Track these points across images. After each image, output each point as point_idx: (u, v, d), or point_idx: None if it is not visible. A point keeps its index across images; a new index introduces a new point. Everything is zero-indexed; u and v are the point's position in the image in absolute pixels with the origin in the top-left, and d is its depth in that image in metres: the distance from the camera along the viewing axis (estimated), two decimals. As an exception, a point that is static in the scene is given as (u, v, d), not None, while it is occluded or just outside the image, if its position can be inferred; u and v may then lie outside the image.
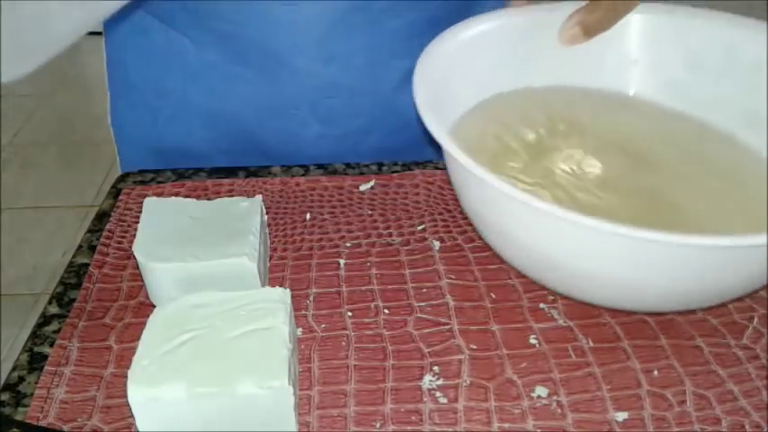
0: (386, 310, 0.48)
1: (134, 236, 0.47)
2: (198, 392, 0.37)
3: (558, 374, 0.43)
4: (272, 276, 0.50)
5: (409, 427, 0.41)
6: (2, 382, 0.44)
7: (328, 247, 0.53)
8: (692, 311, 0.47)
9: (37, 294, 1.64)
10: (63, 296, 0.50)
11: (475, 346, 0.45)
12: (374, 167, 0.60)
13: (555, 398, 0.42)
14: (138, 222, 0.48)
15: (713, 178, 0.49)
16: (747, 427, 0.40)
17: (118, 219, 0.56)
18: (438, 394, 0.42)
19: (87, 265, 0.52)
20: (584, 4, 0.53)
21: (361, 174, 0.60)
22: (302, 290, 0.49)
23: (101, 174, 1.99)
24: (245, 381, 0.37)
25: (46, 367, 0.44)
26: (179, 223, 0.47)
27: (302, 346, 0.45)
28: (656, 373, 0.43)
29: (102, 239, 0.54)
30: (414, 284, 0.49)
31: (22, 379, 0.44)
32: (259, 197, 0.50)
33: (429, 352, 0.45)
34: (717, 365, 0.44)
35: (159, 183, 0.60)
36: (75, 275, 0.51)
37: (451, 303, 0.48)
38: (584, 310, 0.47)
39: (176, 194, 0.57)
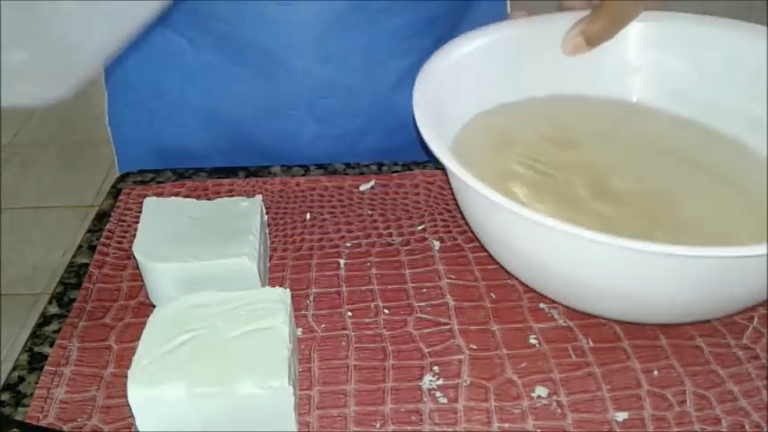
0: (386, 310, 0.48)
1: (134, 236, 0.47)
2: (198, 392, 0.37)
3: (558, 374, 0.43)
4: (272, 276, 0.50)
5: (409, 427, 0.41)
6: (2, 382, 0.44)
7: (328, 247, 0.53)
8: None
9: (37, 294, 1.64)
10: (63, 296, 0.50)
11: (475, 346, 0.45)
12: (374, 167, 0.60)
13: (555, 398, 0.42)
14: (138, 222, 0.48)
15: (719, 184, 0.48)
16: (747, 427, 0.40)
17: (118, 219, 0.56)
18: (438, 394, 0.42)
19: (87, 265, 0.52)
20: (585, 14, 0.53)
21: (361, 174, 0.60)
22: (302, 290, 0.49)
23: (101, 174, 1.99)
24: (245, 381, 0.37)
25: (46, 367, 0.44)
26: (179, 223, 0.47)
27: (302, 346, 0.45)
28: (656, 373, 0.43)
29: (102, 239, 0.54)
30: (414, 284, 0.49)
31: (22, 379, 0.44)
32: (259, 197, 0.50)
33: (429, 352, 0.45)
34: (717, 365, 0.43)
35: (159, 183, 0.60)
36: (75, 275, 0.51)
37: (451, 303, 0.48)
38: (584, 310, 0.47)
39: (176, 194, 0.57)
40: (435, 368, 0.44)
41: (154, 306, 0.46)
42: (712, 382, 0.43)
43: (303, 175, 0.60)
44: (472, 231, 0.49)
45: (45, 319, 0.48)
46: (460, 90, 0.52)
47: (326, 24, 0.59)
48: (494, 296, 0.48)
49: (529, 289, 0.48)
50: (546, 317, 0.47)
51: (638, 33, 0.55)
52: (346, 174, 0.60)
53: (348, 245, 0.53)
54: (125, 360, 0.44)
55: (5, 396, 0.43)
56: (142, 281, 0.48)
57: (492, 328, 0.46)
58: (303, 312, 0.48)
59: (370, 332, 0.46)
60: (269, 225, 0.54)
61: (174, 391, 0.37)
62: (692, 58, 0.54)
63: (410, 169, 0.60)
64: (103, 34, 0.34)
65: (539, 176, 0.49)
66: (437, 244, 0.52)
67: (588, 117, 0.54)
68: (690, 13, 0.55)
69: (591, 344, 0.45)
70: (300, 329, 0.46)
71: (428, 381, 0.43)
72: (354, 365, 0.44)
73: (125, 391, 0.37)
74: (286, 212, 0.56)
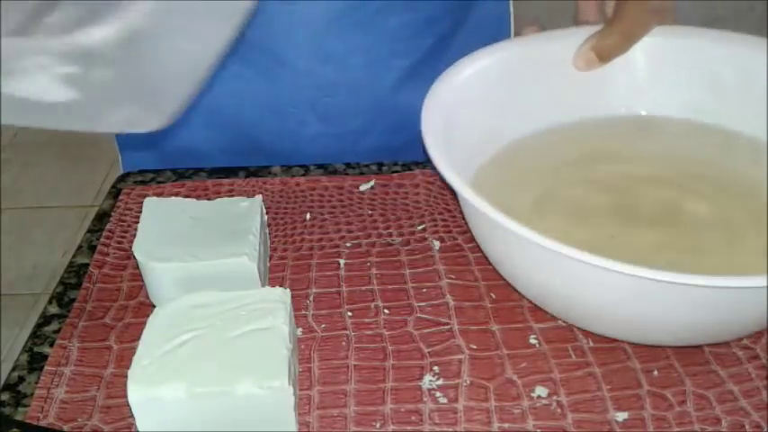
0: (386, 310, 0.48)
1: (134, 236, 0.47)
2: (198, 392, 0.37)
3: (558, 374, 0.43)
4: (272, 276, 0.50)
5: (409, 427, 0.41)
6: (2, 382, 0.44)
7: (328, 247, 0.53)
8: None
9: (37, 294, 1.64)
10: (63, 296, 0.50)
11: (475, 346, 0.45)
12: (374, 167, 0.60)
13: (555, 398, 0.42)
14: (138, 222, 0.48)
15: (737, 199, 0.48)
16: (747, 427, 0.40)
17: (118, 219, 0.56)
18: (438, 394, 0.42)
19: (87, 265, 0.52)
20: (597, 29, 0.53)
21: (361, 174, 0.60)
22: (302, 290, 0.49)
23: (101, 174, 1.99)
24: (245, 381, 0.37)
25: (46, 367, 0.44)
26: (179, 223, 0.47)
27: (302, 346, 0.45)
28: (656, 373, 0.43)
29: (102, 239, 0.54)
30: (414, 284, 0.49)
31: (22, 379, 0.44)
32: (259, 197, 0.50)
33: (429, 352, 0.45)
34: (717, 365, 0.43)
35: (159, 183, 0.60)
36: (75, 275, 0.51)
37: (451, 303, 0.48)
38: (584, 310, 0.47)
39: (176, 194, 0.57)
40: (435, 368, 0.44)
41: (154, 306, 0.46)
42: (712, 382, 0.43)
43: (303, 175, 0.60)
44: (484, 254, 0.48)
45: (45, 319, 0.48)
46: (471, 118, 0.51)
47: (326, 23, 0.59)
48: (494, 296, 0.48)
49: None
50: (546, 317, 0.47)
51: (651, 48, 0.54)
52: (346, 174, 0.60)
53: (348, 245, 0.53)
54: (125, 360, 0.44)
55: (5, 396, 0.43)
56: (142, 281, 0.48)
57: (492, 328, 0.46)
58: (303, 312, 0.48)
59: (370, 332, 0.46)
60: (269, 225, 0.54)
61: (174, 391, 0.37)
62: (707, 73, 0.53)
63: (410, 169, 0.60)
64: (193, 66, 0.34)
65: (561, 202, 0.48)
66: (437, 244, 0.52)
67: (607, 135, 0.54)
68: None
69: (591, 344, 0.45)
70: (300, 329, 0.46)
71: (428, 381, 0.43)
72: (354, 365, 0.44)
73: (125, 391, 0.37)
74: (286, 212, 0.56)
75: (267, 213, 0.55)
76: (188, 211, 0.48)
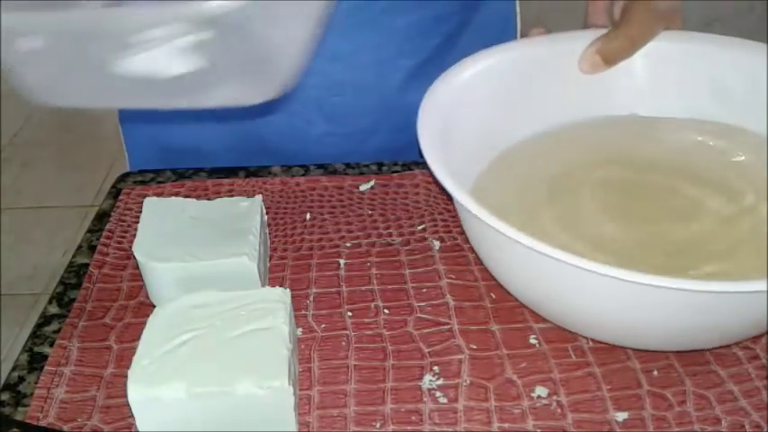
0: (386, 310, 0.48)
1: (134, 236, 0.47)
2: (198, 392, 0.37)
3: (558, 374, 0.43)
4: (272, 276, 0.50)
5: (409, 427, 0.41)
6: (2, 382, 0.44)
7: (328, 247, 0.53)
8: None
9: (37, 294, 1.64)
10: (63, 296, 0.50)
11: (475, 346, 0.45)
12: (374, 167, 0.60)
13: (555, 398, 0.42)
14: (138, 222, 0.48)
15: (739, 203, 0.48)
16: (747, 427, 0.40)
17: (118, 219, 0.56)
18: (438, 394, 0.42)
19: (87, 265, 0.52)
20: (603, 32, 0.53)
21: (361, 174, 0.60)
22: (302, 290, 0.49)
23: (101, 174, 1.99)
24: (245, 381, 0.37)
25: (46, 367, 0.44)
26: (179, 223, 0.48)
27: (302, 346, 0.45)
28: (655, 373, 0.43)
29: (102, 239, 0.54)
30: (414, 284, 0.49)
31: (22, 379, 0.44)
32: (259, 197, 0.50)
33: (429, 352, 0.45)
34: (717, 365, 0.43)
35: (159, 183, 0.60)
36: (75, 275, 0.51)
37: (451, 303, 0.48)
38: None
39: (176, 194, 0.57)
40: (435, 368, 0.44)
41: (154, 306, 0.46)
42: (712, 382, 0.43)
43: (303, 175, 0.60)
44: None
45: (45, 319, 0.48)
46: (470, 121, 0.50)
47: (333, 23, 0.59)
48: (494, 296, 0.48)
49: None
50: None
51: (654, 53, 0.54)
52: (346, 174, 0.60)
53: (348, 245, 0.53)
54: (125, 360, 0.44)
55: (5, 396, 0.43)
56: (142, 281, 0.48)
57: (492, 328, 0.46)
58: (303, 312, 0.48)
59: (370, 332, 0.46)
60: (269, 225, 0.54)
61: (174, 391, 0.37)
62: (713, 78, 0.53)
63: (410, 169, 0.60)
64: (299, 37, 0.34)
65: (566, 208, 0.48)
66: (437, 244, 0.52)
67: (613, 138, 0.53)
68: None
69: (591, 344, 0.45)
70: (300, 329, 0.46)
71: (428, 381, 0.43)
72: (354, 365, 0.44)
73: (125, 391, 0.37)
74: (286, 212, 0.56)
75: (267, 213, 0.55)
76: (188, 211, 0.48)
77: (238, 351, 0.39)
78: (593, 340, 0.45)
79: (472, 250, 0.52)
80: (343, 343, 0.45)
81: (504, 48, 0.53)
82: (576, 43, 0.54)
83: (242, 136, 0.66)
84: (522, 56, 0.54)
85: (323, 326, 0.47)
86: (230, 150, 0.66)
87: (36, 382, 0.44)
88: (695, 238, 0.45)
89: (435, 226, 0.54)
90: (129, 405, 0.37)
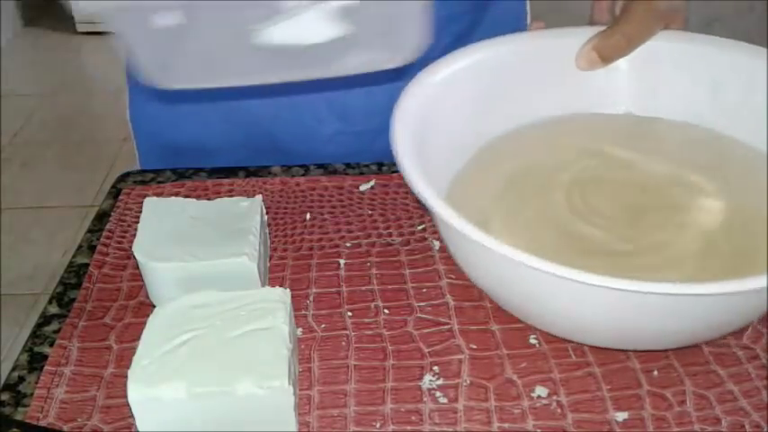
0: (386, 310, 0.48)
1: (134, 236, 0.47)
2: (198, 392, 0.37)
3: (558, 374, 0.43)
4: (272, 276, 0.50)
5: (409, 427, 0.41)
6: (2, 382, 0.44)
7: (328, 247, 0.53)
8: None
9: (37, 294, 1.64)
10: (63, 296, 0.50)
11: (475, 346, 0.45)
12: (374, 167, 0.60)
13: (555, 398, 0.42)
14: (138, 222, 0.48)
15: (735, 204, 0.48)
16: (747, 427, 0.40)
17: (118, 219, 0.56)
18: (438, 394, 0.42)
19: (87, 265, 0.52)
20: (601, 29, 0.53)
21: (361, 174, 0.60)
22: (302, 290, 0.49)
23: (101, 174, 1.99)
24: (245, 381, 0.37)
25: (46, 367, 0.44)
26: (179, 223, 0.48)
27: (302, 346, 0.45)
28: (656, 373, 0.43)
29: (102, 239, 0.54)
30: (414, 284, 0.49)
31: (22, 379, 0.44)
32: (259, 197, 0.50)
33: (429, 352, 0.45)
34: (717, 365, 0.43)
35: (159, 183, 0.60)
36: (75, 275, 0.51)
37: (451, 303, 0.48)
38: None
39: (176, 194, 0.57)
40: (435, 368, 0.44)
41: (154, 306, 0.46)
42: (712, 382, 0.43)
43: (303, 175, 0.60)
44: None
45: (45, 319, 0.48)
46: (450, 118, 0.50)
47: None
48: (494, 296, 0.48)
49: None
50: (546, 317, 0.47)
51: (654, 52, 0.53)
52: (346, 174, 0.60)
53: (348, 245, 0.53)
54: (125, 360, 0.44)
55: (5, 396, 0.43)
56: (142, 281, 0.48)
57: (492, 328, 0.46)
58: (303, 312, 0.48)
59: (370, 332, 0.46)
60: (269, 225, 0.54)
61: (174, 390, 0.37)
62: (710, 79, 0.53)
63: (410, 169, 0.60)
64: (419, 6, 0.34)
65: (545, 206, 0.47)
66: (437, 244, 0.52)
67: (603, 137, 0.53)
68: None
69: (591, 344, 0.45)
70: (300, 329, 0.46)
71: (428, 381, 0.43)
72: (354, 365, 0.44)
73: (125, 391, 0.37)
74: (286, 212, 0.56)
75: (267, 213, 0.55)
76: (188, 211, 0.48)
77: (238, 351, 0.39)
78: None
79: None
80: (343, 343, 0.45)
81: (493, 42, 0.53)
82: (570, 39, 0.53)
83: (252, 134, 0.66)
84: (511, 52, 0.53)
85: (323, 326, 0.47)
86: (240, 148, 0.66)
87: (36, 382, 0.44)
88: (687, 241, 0.45)
89: (435, 226, 0.54)
90: (129, 405, 0.37)
